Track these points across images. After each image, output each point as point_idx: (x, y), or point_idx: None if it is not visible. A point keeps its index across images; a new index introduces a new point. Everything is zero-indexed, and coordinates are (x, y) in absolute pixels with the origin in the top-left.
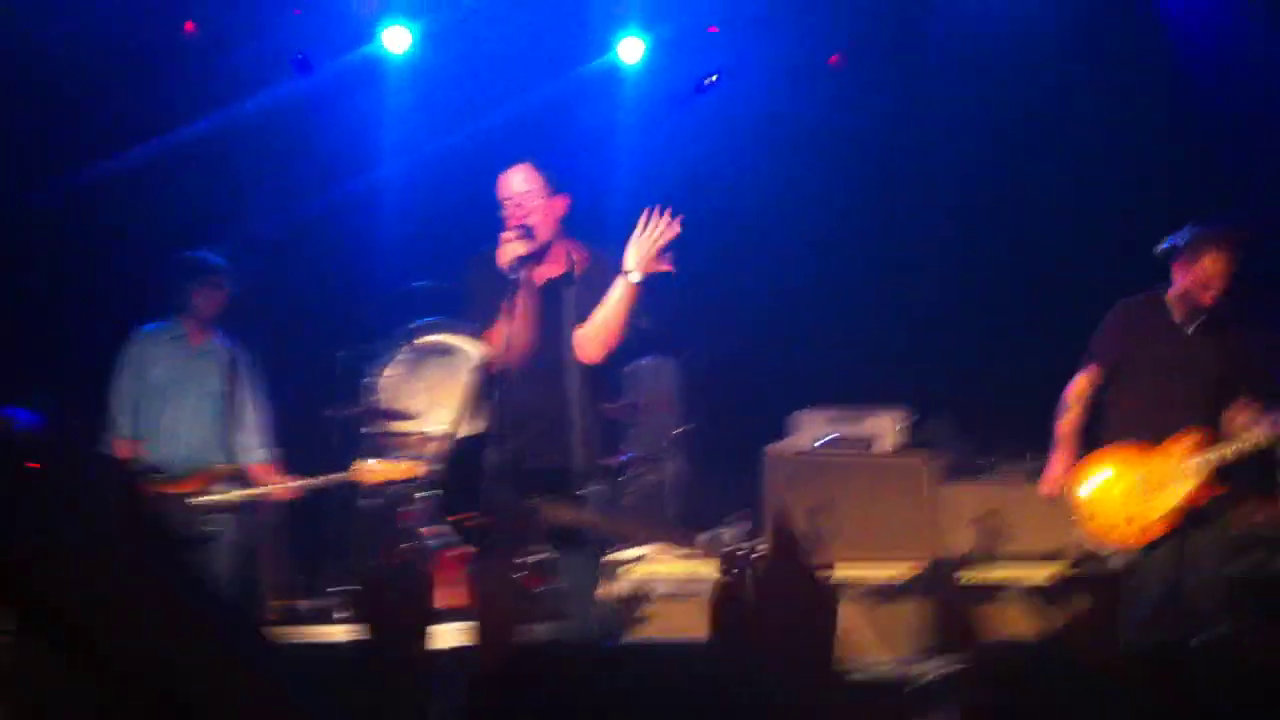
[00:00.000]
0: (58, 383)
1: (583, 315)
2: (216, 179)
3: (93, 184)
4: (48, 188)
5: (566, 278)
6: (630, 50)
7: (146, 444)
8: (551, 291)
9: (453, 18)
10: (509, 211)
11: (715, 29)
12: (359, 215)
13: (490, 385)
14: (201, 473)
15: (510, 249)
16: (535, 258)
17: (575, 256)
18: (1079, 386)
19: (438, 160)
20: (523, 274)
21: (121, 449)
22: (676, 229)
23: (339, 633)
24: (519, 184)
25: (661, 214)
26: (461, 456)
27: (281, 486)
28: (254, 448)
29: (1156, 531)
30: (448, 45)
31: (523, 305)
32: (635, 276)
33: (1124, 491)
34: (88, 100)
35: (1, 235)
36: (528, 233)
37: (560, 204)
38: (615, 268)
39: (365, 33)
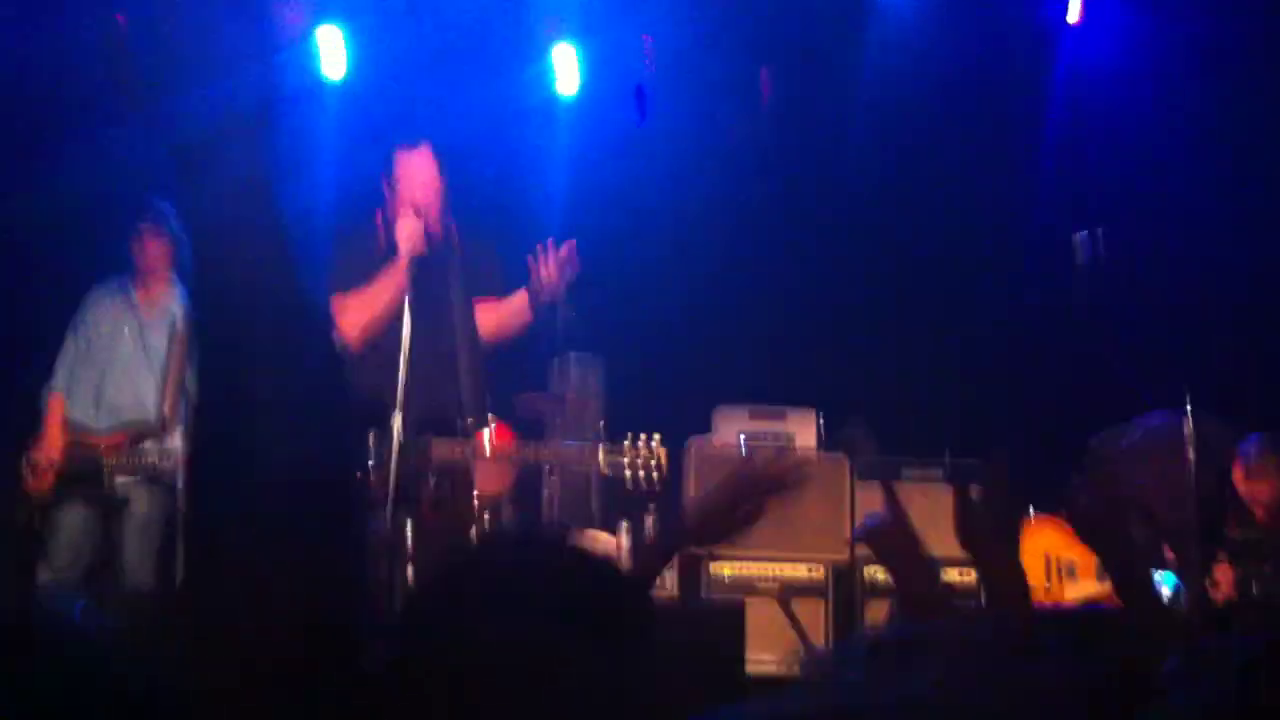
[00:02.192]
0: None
1: (465, 287)
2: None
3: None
4: None
5: (448, 248)
6: (564, 63)
7: (77, 399)
8: (436, 264)
9: (384, 35)
10: (405, 190)
11: (649, 37)
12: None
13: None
14: (126, 429)
15: (409, 226)
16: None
17: (452, 230)
18: None
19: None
20: (405, 249)
21: (52, 403)
22: (575, 264)
23: None
24: (419, 165)
25: (556, 248)
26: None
27: None
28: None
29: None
30: (380, 63)
31: (395, 280)
32: (539, 300)
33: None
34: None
35: None
36: (423, 212)
37: (444, 185)
38: (487, 245)
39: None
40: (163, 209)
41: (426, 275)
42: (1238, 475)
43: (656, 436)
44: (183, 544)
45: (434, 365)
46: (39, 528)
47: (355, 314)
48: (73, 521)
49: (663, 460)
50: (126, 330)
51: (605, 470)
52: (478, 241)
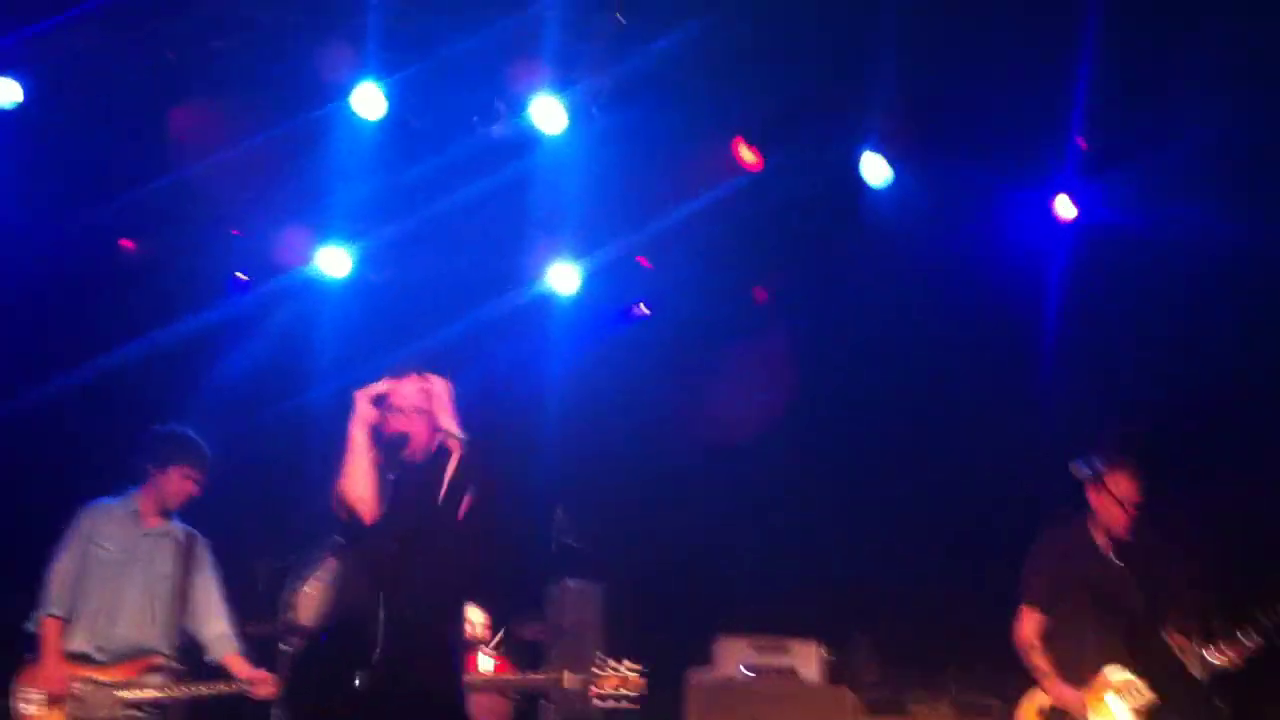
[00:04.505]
0: None
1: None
2: (149, 394)
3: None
4: None
5: (442, 455)
6: (563, 279)
7: (80, 625)
8: (423, 477)
9: (388, 241)
10: (394, 418)
11: (645, 261)
12: (288, 433)
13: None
14: (135, 660)
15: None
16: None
17: (450, 443)
18: (1027, 632)
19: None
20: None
21: (50, 629)
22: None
23: None
24: (410, 395)
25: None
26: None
27: (257, 680)
28: (228, 636)
29: None
30: (383, 268)
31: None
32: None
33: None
34: (29, 320)
35: None
36: (404, 439)
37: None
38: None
39: (303, 254)
40: (203, 448)
41: (413, 486)
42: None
43: (625, 663)
44: None
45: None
46: None
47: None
48: None
49: (634, 688)
50: (134, 556)
51: (567, 686)
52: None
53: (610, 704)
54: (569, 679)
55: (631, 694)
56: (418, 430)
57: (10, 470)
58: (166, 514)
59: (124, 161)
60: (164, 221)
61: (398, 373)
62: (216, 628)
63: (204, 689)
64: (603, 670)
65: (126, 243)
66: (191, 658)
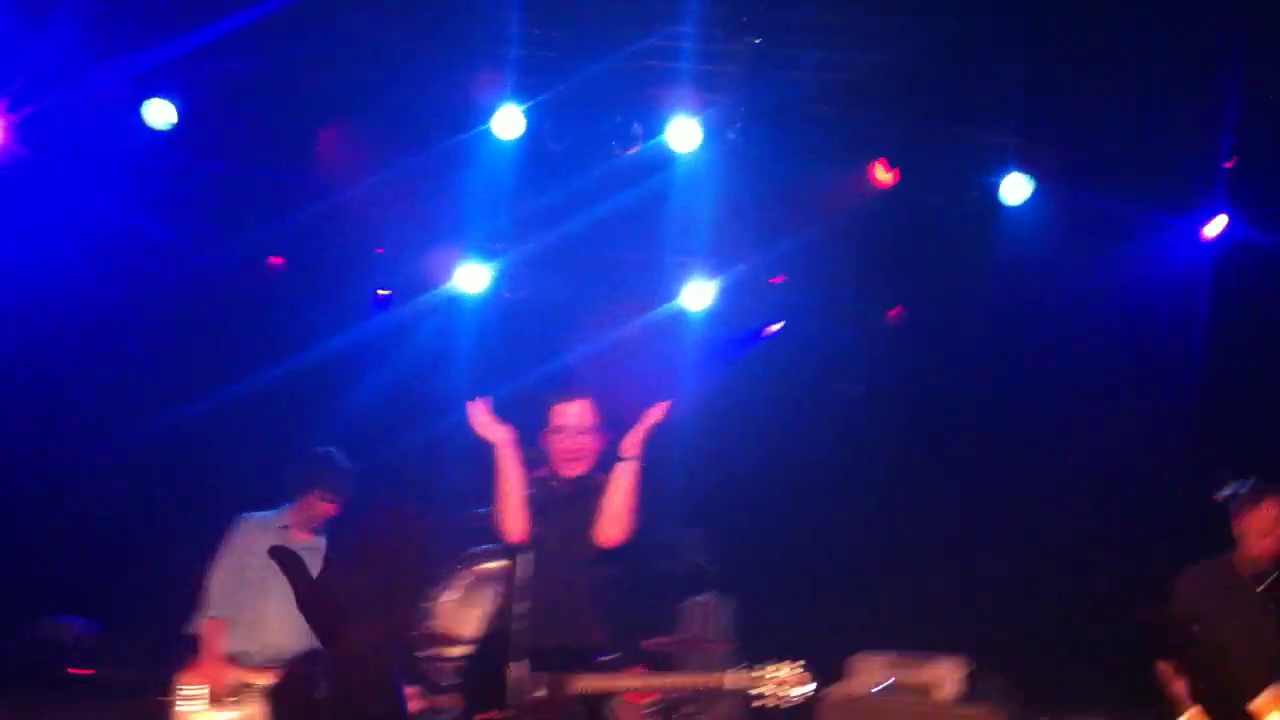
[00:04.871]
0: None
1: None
2: (295, 412)
3: (174, 422)
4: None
5: (593, 482)
6: (696, 296)
7: (235, 631)
8: (580, 494)
9: (525, 259)
10: (562, 440)
11: (781, 278)
12: (433, 449)
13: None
14: (284, 662)
15: (570, 467)
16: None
17: (629, 461)
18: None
19: (510, 397)
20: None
21: (210, 632)
22: (662, 413)
23: None
24: (575, 416)
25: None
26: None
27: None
28: None
29: None
30: (520, 285)
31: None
32: (631, 454)
33: None
34: (181, 336)
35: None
36: (579, 460)
37: (603, 441)
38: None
39: (443, 272)
40: (345, 468)
41: (565, 512)
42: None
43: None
44: None
45: (560, 600)
46: None
47: (500, 513)
48: None
49: (798, 683)
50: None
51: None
52: None
53: (774, 703)
54: (730, 679)
55: (795, 690)
56: (585, 449)
57: (164, 484)
58: (314, 530)
59: (273, 182)
60: (312, 240)
61: (564, 394)
62: None
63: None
64: (763, 670)
65: (275, 260)
66: None
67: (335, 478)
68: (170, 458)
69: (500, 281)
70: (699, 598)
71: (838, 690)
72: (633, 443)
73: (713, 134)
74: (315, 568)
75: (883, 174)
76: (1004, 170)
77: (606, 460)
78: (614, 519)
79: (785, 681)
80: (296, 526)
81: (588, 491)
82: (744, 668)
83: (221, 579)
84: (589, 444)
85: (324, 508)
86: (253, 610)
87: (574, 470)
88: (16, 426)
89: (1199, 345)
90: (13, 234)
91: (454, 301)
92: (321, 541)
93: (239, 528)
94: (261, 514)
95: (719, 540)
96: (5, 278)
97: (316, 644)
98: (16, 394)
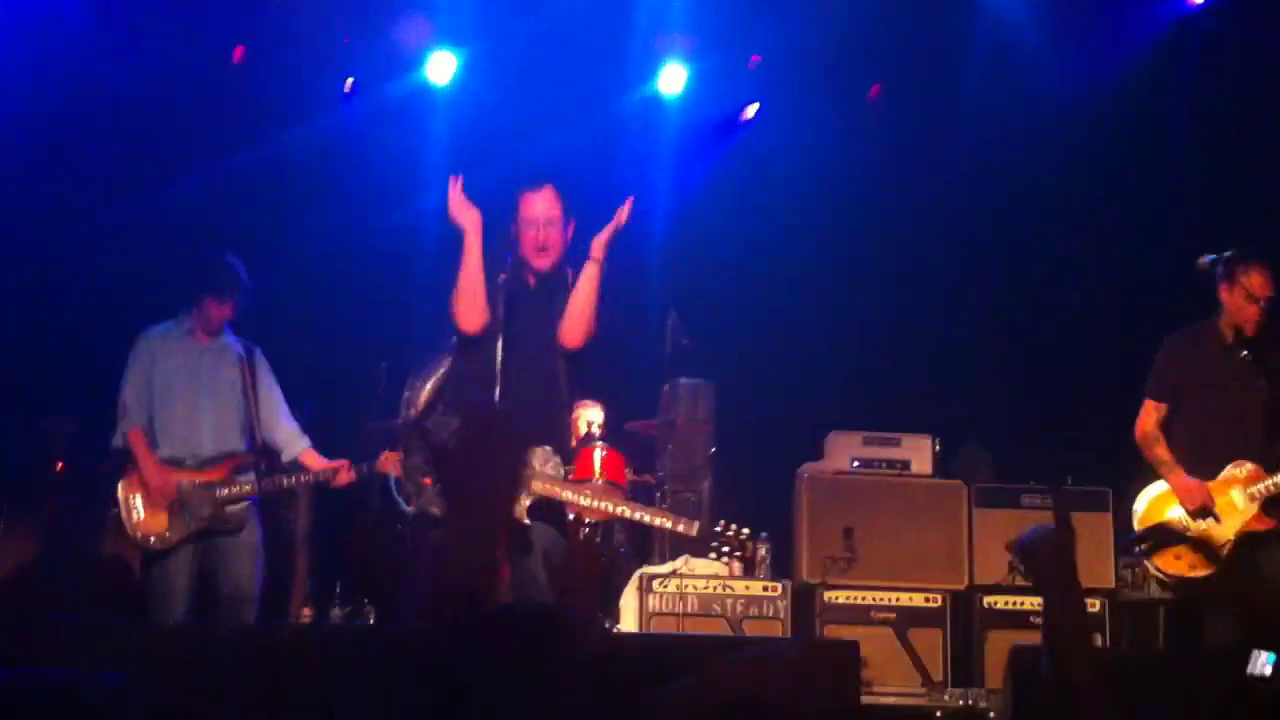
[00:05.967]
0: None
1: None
2: (263, 203)
3: (142, 205)
4: (98, 206)
5: (561, 285)
6: (672, 80)
7: (164, 438)
8: (552, 290)
9: (497, 46)
10: (529, 231)
11: (757, 58)
12: (403, 238)
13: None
14: (224, 463)
15: (538, 259)
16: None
17: (569, 276)
18: (1148, 423)
19: (481, 187)
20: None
21: (137, 438)
22: (625, 213)
23: None
24: (542, 206)
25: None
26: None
27: (334, 469)
28: (298, 434)
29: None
30: (491, 73)
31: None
32: (595, 256)
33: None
34: (140, 122)
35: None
36: (546, 251)
37: (570, 230)
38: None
39: (411, 61)
40: (236, 269)
41: (531, 305)
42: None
43: (746, 531)
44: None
45: (529, 394)
46: (151, 573)
47: (457, 301)
48: (184, 558)
49: (750, 552)
50: (199, 367)
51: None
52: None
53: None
54: (686, 526)
55: (746, 556)
56: (552, 241)
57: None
58: (213, 333)
59: None
60: (275, 32)
61: (530, 185)
62: (286, 427)
63: (288, 481)
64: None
65: (237, 51)
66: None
67: (227, 280)
68: (134, 252)
69: (470, 70)
70: (682, 380)
71: (815, 467)
72: (598, 244)
73: None
74: (229, 366)
75: None
76: None
77: (576, 255)
78: (575, 318)
79: (738, 550)
80: (197, 333)
81: (559, 288)
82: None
83: (137, 390)
84: (555, 236)
85: (220, 313)
86: (177, 416)
87: (543, 262)
88: None
89: (1183, 122)
90: None
91: (424, 93)
92: (230, 340)
93: (142, 342)
94: (161, 326)
95: (700, 323)
96: None
97: (251, 440)
98: None
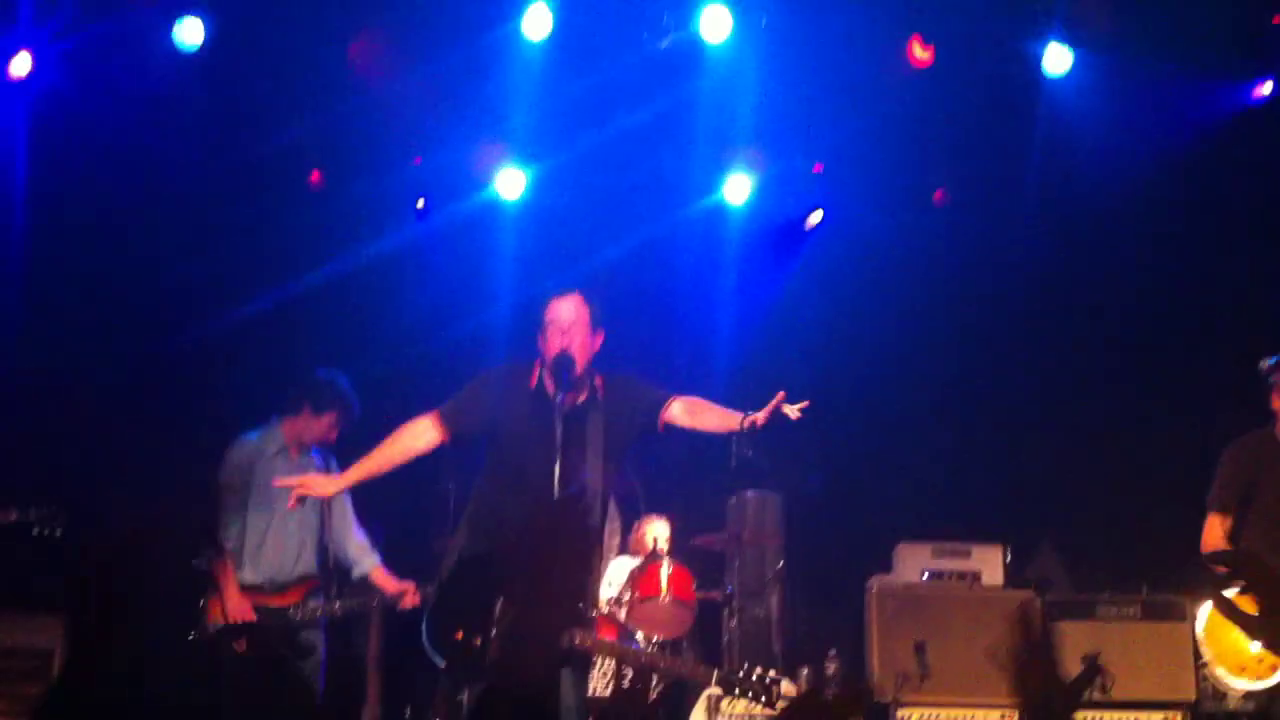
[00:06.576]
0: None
1: (607, 437)
2: (335, 319)
3: (216, 330)
4: (173, 332)
5: (591, 403)
6: (737, 189)
7: (249, 556)
8: (577, 417)
9: (562, 161)
10: (551, 336)
11: (820, 166)
12: (472, 353)
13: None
14: (299, 586)
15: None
16: (571, 385)
17: (597, 383)
18: (1214, 535)
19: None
20: (558, 399)
21: (223, 568)
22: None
23: None
24: (567, 312)
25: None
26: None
27: (403, 591)
28: (369, 549)
29: None
30: (560, 189)
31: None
32: (756, 421)
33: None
34: (218, 245)
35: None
36: (567, 360)
37: (598, 340)
38: (630, 389)
39: (481, 179)
40: (341, 387)
41: (572, 424)
42: None
43: (773, 673)
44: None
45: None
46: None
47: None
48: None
49: (776, 695)
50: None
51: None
52: (624, 387)
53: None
54: (704, 675)
55: (772, 702)
56: (574, 344)
57: (209, 395)
58: (305, 448)
59: (304, 96)
60: (349, 154)
61: (558, 291)
62: (358, 542)
63: (358, 604)
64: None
65: (314, 175)
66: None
67: (350, 407)
68: (213, 371)
69: (538, 185)
70: (748, 492)
71: (884, 579)
72: (755, 418)
73: (743, 21)
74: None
75: (920, 51)
76: (1045, 40)
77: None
78: (697, 421)
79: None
80: (292, 445)
81: (588, 417)
82: (727, 676)
83: (231, 505)
84: (577, 340)
85: (329, 434)
86: (261, 538)
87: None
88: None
89: (1243, 211)
90: (51, 162)
91: (493, 209)
92: (312, 454)
93: (235, 454)
94: (251, 436)
95: (766, 435)
96: (45, 203)
97: (323, 561)
98: (52, 315)
